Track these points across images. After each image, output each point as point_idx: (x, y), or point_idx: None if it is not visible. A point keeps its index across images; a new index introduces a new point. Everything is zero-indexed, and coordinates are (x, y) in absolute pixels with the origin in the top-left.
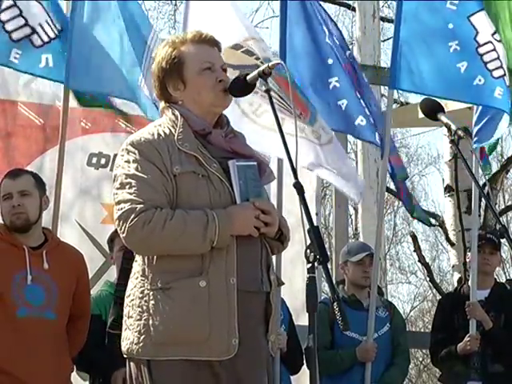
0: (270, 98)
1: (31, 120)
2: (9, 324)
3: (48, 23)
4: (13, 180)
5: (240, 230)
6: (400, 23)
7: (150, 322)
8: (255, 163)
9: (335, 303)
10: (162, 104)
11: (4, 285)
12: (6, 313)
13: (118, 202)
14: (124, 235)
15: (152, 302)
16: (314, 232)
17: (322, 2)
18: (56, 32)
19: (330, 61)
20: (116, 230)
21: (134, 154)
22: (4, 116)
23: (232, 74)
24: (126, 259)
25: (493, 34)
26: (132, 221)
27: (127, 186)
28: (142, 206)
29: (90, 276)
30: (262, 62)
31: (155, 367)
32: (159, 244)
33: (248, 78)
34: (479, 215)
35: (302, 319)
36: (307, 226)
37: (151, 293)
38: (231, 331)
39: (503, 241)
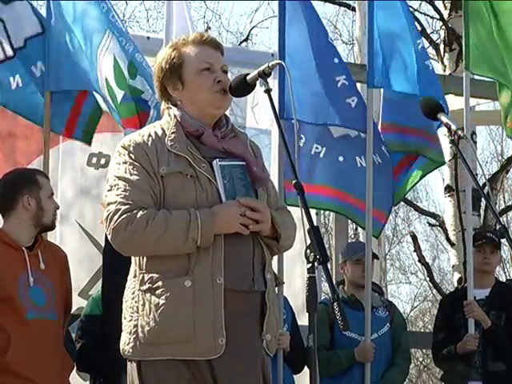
0: (270, 97)
1: None
2: (21, 327)
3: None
4: (48, 180)
5: (224, 229)
6: (373, 23)
7: (139, 322)
8: (243, 163)
9: (335, 303)
10: (163, 105)
11: (12, 288)
12: (16, 316)
13: (108, 204)
14: (110, 236)
15: (141, 302)
16: (314, 232)
17: (321, 2)
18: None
19: (336, 60)
20: None
21: (124, 155)
22: (4, 116)
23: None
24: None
25: None
26: (116, 222)
27: (115, 188)
28: (126, 206)
29: (90, 276)
30: None
31: (144, 368)
32: (142, 244)
33: (248, 78)
34: (479, 215)
35: (302, 319)
36: (307, 226)
37: (140, 293)
38: (217, 331)
39: (503, 241)
